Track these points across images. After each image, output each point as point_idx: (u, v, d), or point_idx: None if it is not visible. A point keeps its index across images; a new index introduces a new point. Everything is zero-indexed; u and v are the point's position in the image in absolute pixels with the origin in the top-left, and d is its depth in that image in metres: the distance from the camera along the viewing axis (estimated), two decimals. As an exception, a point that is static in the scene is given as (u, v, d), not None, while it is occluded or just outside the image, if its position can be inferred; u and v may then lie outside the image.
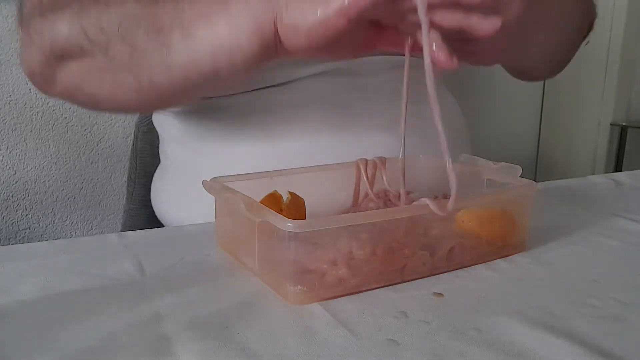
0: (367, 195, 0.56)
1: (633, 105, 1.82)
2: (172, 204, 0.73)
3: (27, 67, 0.58)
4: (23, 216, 1.16)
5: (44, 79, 0.58)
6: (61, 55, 0.55)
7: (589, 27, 0.72)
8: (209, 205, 0.53)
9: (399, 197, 0.54)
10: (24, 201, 1.15)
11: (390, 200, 0.55)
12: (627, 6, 1.72)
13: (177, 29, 0.50)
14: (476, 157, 0.58)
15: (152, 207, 0.79)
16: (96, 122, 1.24)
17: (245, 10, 0.48)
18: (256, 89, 0.66)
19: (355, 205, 0.57)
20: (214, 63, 0.50)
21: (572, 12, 0.66)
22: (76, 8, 0.53)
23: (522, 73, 0.75)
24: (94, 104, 0.60)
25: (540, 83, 1.84)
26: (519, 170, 0.54)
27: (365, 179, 0.56)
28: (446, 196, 0.56)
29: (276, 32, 0.47)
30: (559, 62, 0.74)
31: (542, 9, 0.56)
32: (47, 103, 1.17)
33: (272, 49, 0.48)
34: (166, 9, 0.50)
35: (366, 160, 0.57)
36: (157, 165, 0.80)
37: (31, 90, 1.12)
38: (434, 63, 0.42)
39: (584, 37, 0.73)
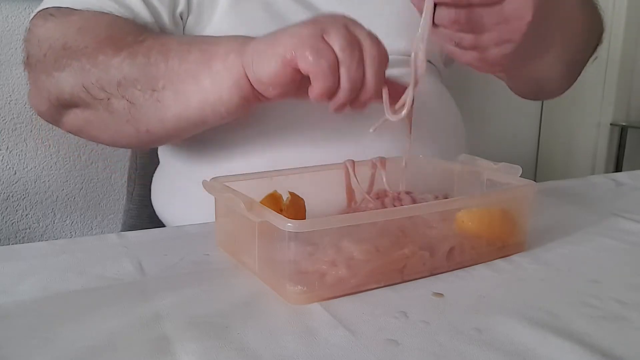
0: (363, 198, 0.56)
1: (633, 105, 1.82)
2: (171, 203, 0.73)
3: (36, 109, 0.65)
4: (23, 216, 1.16)
5: (51, 119, 0.65)
6: (66, 105, 0.61)
7: (598, 42, 0.73)
8: (209, 205, 0.53)
9: (398, 197, 0.54)
10: (24, 201, 1.15)
11: (389, 200, 0.55)
12: (627, 6, 1.72)
13: (168, 87, 0.57)
14: (476, 157, 0.58)
15: (152, 207, 0.79)
16: (96, 122, 1.23)
17: (223, 68, 0.55)
18: None
19: (349, 207, 0.57)
20: (201, 113, 0.58)
21: (581, 31, 0.67)
22: (76, 67, 0.59)
23: (529, 92, 0.76)
24: (97, 142, 0.68)
25: (540, 83, 1.85)
26: (519, 170, 0.54)
27: (355, 179, 0.56)
28: (446, 196, 0.56)
29: (251, 85, 0.54)
30: (567, 79, 0.74)
31: (550, 27, 0.58)
32: (47, 103, 1.17)
33: (252, 98, 0.56)
34: (159, 68, 0.57)
35: (353, 162, 0.57)
36: (157, 165, 0.80)
37: (31, 90, 1.12)
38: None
39: (593, 52, 0.73)
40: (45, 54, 0.61)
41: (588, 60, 0.74)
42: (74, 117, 0.63)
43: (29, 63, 0.63)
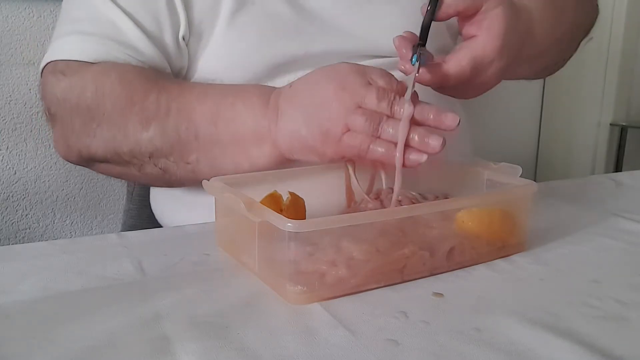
0: (363, 198, 0.56)
1: (633, 105, 1.82)
2: (170, 205, 0.73)
3: (64, 157, 0.66)
4: (23, 216, 1.16)
5: (82, 165, 0.67)
6: (98, 161, 0.64)
7: (590, 27, 0.74)
8: (207, 207, 0.53)
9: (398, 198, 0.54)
10: (24, 201, 1.15)
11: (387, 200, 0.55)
12: (627, 6, 1.72)
13: (203, 161, 0.60)
14: (476, 157, 0.58)
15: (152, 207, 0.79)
16: (96, 122, 1.23)
17: (264, 156, 0.58)
18: None
19: (349, 207, 0.57)
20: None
21: (558, 49, 0.68)
22: (107, 136, 0.60)
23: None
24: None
25: (540, 83, 1.84)
26: (519, 170, 0.54)
27: (355, 179, 0.56)
28: (446, 196, 0.56)
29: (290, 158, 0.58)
30: (542, 76, 0.77)
31: (518, 68, 0.62)
32: (47, 103, 1.17)
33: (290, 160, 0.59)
34: (190, 145, 0.59)
35: (353, 162, 0.57)
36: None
37: (31, 90, 1.12)
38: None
39: (583, 37, 0.74)
40: (70, 117, 0.62)
41: (567, 60, 0.76)
42: (106, 168, 0.65)
43: (54, 119, 0.64)
